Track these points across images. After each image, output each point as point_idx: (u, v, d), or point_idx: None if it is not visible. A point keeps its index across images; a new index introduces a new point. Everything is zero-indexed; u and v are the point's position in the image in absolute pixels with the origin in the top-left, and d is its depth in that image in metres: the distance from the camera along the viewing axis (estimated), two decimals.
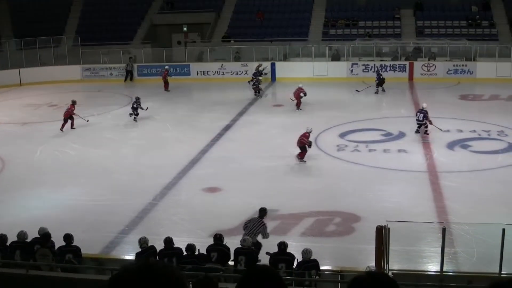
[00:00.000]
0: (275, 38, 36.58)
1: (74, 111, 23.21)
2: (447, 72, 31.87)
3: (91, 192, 16.39)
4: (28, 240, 11.18)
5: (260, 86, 29.12)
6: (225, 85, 32.47)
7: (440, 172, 17.17)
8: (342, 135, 21.12)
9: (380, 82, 28.50)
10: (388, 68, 31.85)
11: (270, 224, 13.66)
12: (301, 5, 39.56)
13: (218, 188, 16.32)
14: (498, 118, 22.99)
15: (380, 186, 16.27)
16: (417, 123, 21.00)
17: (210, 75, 34.16)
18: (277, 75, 32.90)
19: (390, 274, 9.11)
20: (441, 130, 20.91)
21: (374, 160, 18.44)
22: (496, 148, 19.46)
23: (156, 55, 35.96)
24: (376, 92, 28.49)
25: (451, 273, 10.52)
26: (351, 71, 32.78)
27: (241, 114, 25.39)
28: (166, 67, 32.05)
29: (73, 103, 23.47)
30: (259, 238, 11.83)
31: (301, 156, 18.26)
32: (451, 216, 13.84)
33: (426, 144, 20.03)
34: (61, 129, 22.83)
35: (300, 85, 25.75)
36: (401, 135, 21.11)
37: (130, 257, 11.54)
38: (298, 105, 25.48)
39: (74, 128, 23.10)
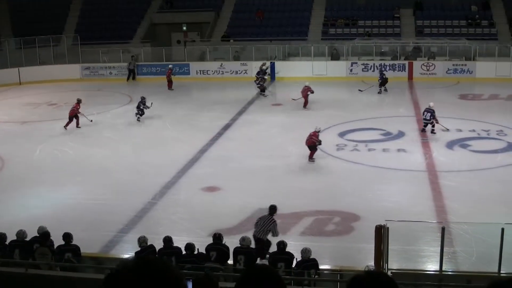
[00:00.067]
0: (275, 38, 36.59)
1: (80, 110, 23.17)
2: (446, 72, 31.87)
3: (90, 191, 16.39)
4: (27, 239, 11.18)
5: (265, 85, 29.01)
6: (225, 84, 32.48)
7: (439, 172, 17.17)
8: (342, 135, 21.12)
9: (383, 81, 28.43)
10: (388, 68, 31.82)
11: None
12: (300, 4, 39.55)
13: (217, 188, 16.32)
14: (498, 117, 22.99)
15: (380, 185, 16.27)
16: (424, 122, 20.99)
17: (209, 74, 34.16)
18: (277, 74, 32.89)
19: (389, 273, 9.11)
20: (447, 130, 20.91)
21: (374, 160, 18.45)
22: (496, 148, 19.47)
23: (156, 54, 35.96)
24: (379, 92, 28.40)
25: (450, 273, 10.52)
26: (351, 70, 32.79)
27: (240, 113, 25.39)
28: (170, 66, 32.11)
29: (78, 101, 23.41)
30: (269, 236, 11.80)
31: (311, 155, 18.24)
32: (450, 215, 13.85)
33: (425, 143, 20.04)
34: (65, 126, 22.83)
35: (307, 84, 25.79)
36: (401, 134, 21.11)
37: (129, 256, 11.54)
38: (305, 104, 25.52)
39: (79, 127, 23.05)
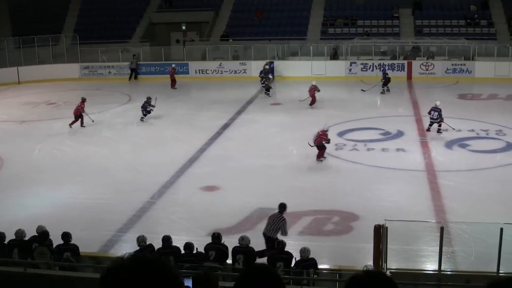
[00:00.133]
0: (274, 37, 36.59)
1: (84, 109, 23.13)
2: (445, 71, 31.89)
3: (89, 190, 16.39)
4: (26, 238, 11.17)
5: (271, 84, 28.92)
6: (224, 83, 32.47)
7: (438, 171, 17.18)
8: (341, 134, 21.11)
9: (386, 81, 28.39)
10: (387, 67, 31.83)
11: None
12: (299, 4, 39.56)
13: (216, 187, 16.32)
14: (497, 117, 23.00)
15: (379, 185, 16.27)
16: (431, 121, 20.97)
17: (208, 73, 34.16)
18: (276, 73, 32.90)
19: (388, 273, 9.13)
20: (453, 129, 20.93)
21: (373, 159, 18.45)
22: (495, 147, 19.48)
23: (155, 53, 35.97)
24: (382, 92, 28.31)
25: (449, 272, 10.52)
26: (350, 70, 32.80)
27: (239, 112, 25.39)
28: (173, 65, 32.24)
29: (83, 100, 23.37)
30: (279, 235, 11.80)
31: (319, 154, 18.24)
32: (449, 215, 13.85)
33: (424, 143, 20.04)
34: (71, 125, 22.85)
35: (314, 83, 25.83)
36: (400, 134, 21.12)
37: None
38: (313, 102, 25.58)
39: (83, 126, 23.03)
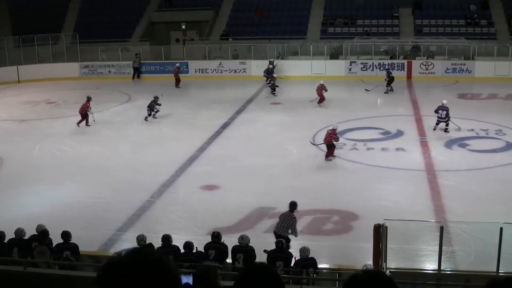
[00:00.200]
0: (274, 36, 36.57)
1: (89, 107, 23.11)
2: (445, 71, 31.88)
3: (89, 189, 16.38)
4: (26, 237, 11.17)
5: (276, 83, 28.87)
6: (223, 83, 32.46)
7: (438, 171, 17.17)
8: (340, 134, 20.99)
9: (390, 80, 28.34)
10: (387, 67, 31.83)
11: (268, 223, 13.70)
12: (299, 3, 39.55)
13: (216, 186, 16.32)
14: (496, 117, 22.99)
15: (378, 184, 16.28)
16: (438, 120, 20.95)
17: (208, 73, 34.15)
18: (276, 73, 32.84)
19: (387, 272, 9.13)
20: (459, 128, 20.95)
21: (372, 159, 18.45)
22: (494, 147, 19.48)
23: (155, 52, 35.97)
24: (386, 92, 28.26)
25: (448, 272, 10.52)
26: (350, 69, 32.79)
27: (239, 112, 25.38)
28: (177, 64, 32.29)
29: (88, 99, 23.31)
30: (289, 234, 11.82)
31: (329, 154, 18.23)
32: (449, 214, 13.85)
33: (424, 142, 20.04)
34: (78, 124, 22.85)
35: (322, 82, 25.86)
36: (399, 133, 21.12)
37: None
38: (321, 101, 25.69)
39: (88, 125, 23.01)
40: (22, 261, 9.91)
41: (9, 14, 39.82)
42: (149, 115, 23.73)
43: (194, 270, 8.00)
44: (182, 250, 10.47)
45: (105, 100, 28.42)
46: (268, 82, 28.71)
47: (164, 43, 38.16)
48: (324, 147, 18.71)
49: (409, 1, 38.14)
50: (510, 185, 15.85)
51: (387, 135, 20.97)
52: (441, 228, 9.92)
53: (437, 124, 20.99)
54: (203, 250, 10.68)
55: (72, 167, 18.26)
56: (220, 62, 34.24)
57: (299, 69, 32.64)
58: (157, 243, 10.69)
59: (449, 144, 19.84)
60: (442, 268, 9.93)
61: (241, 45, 35.35)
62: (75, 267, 10.36)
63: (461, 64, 31.86)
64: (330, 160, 18.21)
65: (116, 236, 13.23)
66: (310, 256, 10.20)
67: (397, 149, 19.44)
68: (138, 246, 10.56)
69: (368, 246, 10.08)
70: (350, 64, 32.87)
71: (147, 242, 10.77)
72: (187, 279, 6.85)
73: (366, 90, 28.48)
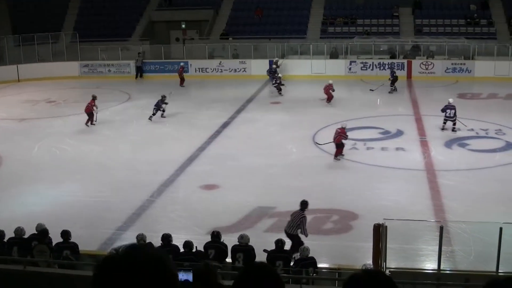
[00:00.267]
0: (274, 36, 36.55)
1: (96, 106, 23.08)
2: (445, 71, 31.88)
3: (89, 188, 16.38)
4: (26, 236, 11.17)
5: (282, 82, 28.79)
6: (223, 82, 32.44)
7: (438, 171, 17.18)
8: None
9: (394, 80, 28.31)
10: (386, 67, 31.84)
11: (267, 222, 13.71)
12: (299, 3, 39.54)
13: (215, 185, 16.32)
14: (496, 116, 23.00)
15: (378, 184, 16.28)
16: (445, 119, 20.97)
17: (208, 72, 34.14)
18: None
19: (387, 272, 9.13)
20: (465, 126, 21.00)
21: (372, 158, 18.45)
22: (494, 147, 19.48)
23: (155, 52, 35.95)
24: (391, 92, 28.18)
25: (448, 271, 10.53)
26: (349, 69, 32.79)
27: (239, 111, 25.37)
28: (182, 63, 32.32)
29: (93, 98, 23.26)
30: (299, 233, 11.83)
31: (338, 153, 18.22)
32: (448, 214, 13.86)
33: (424, 142, 20.04)
34: (86, 124, 22.83)
35: (330, 82, 25.95)
36: (399, 133, 21.12)
37: None
38: (329, 99, 25.83)
39: (94, 124, 22.98)
40: (21, 260, 9.91)
41: (9, 13, 39.81)
42: (154, 114, 23.66)
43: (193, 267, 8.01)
44: (182, 250, 10.47)
45: (105, 99, 28.36)
46: (273, 82, 28.60)
47: (164, 42, 38.14)
48: (324, 146, 18.72)
49: (409, 1, 38.13)
50: (510, 185, 15.86)
51: (387, 135, 20.97)
52: (441, 228, 9.92)
53: (444, 123, 21.00)
54: (202, 250, 10.69)
55: (72, 166, 18.27)
56: (220, 62, 34.23)
57: (299, 69, 32.62)
58: (157, 242, 10.69)
59: (449, 143, 19.85)
60: (441, 267, 9.94)
61: (241, 45, 35.33)
62: (75, 266, 10.37)
63: (461, 64, 31.86)
64: (339, 159, 18.19)
65: (116, 235, 13.23)
66: (309, 255, 10.21)
67: (397, 148, 19.44)
68: (136, 243, 10.57)
69: (368, 246, 10.08)
70: (350, 64, 32.87)
71: (147, 241, 10.76)
72: (187, 276, 6.85)
73: (370, 90, 28.40)
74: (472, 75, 31.37)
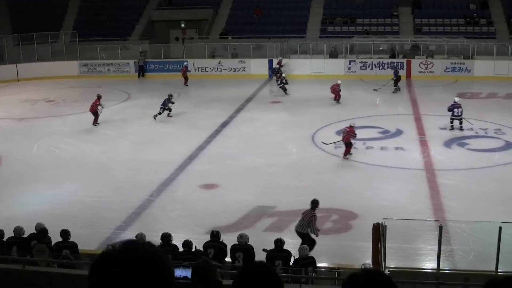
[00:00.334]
0: (273, 35, 36.54)
1: (100, 106, 23.03)
2: (444, 70, 31.88)
3: (88, 188, 16.38)
4: (25, 235, 11.17)
5: (287, 81, 28.69)
6: (223, 81, 32.41)
7: (437, 170, 17.18)
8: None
9: (397, 79, 28.26)
10: (386, 66, 31.85)
11: (266, 221, 13.71)
12: (299, 2, 39.53)
13: (215, 185, 16.32)
14: (496, 116, 23.00)
15: (377, 183, 16.28)
16: (453, 118, 21.01)
17: (207, 71, 34.13)
18: (284, 72, 32.76)
19: (386, 271, 9.14)
20: (471, 124, 21.08)
21: (372, 158, 18.45)
22: (493, 146, 19.49)
23: (154, 51, 35.93)
24: (395, 92, 28.13)
25: (447, 271, 10.53)
26: (349, 68, 32.79)
27: (238, 110, 25.36)
28: (186, 63, 32.35)
29: (98, 97, 23.21)
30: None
31: (347, 152, 18.22)
32: (448, 214, 13.87)
33: (423, 142, 20.04)
34: (94, 124, 22.80)
35: (339, 82, 26.03)
36: (399, 132, 21.12)
37: None
38: (338, 98, 25.94)
39: (98, 124, 22.91)
40: (21, 260, 9.90)
41: (8, 12, 39.78)
42: (160, 113, 23.59)
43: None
44: (181, 249, 10.47)
45: (104, 98, 28.21)
46: (278, 83, 28.52)
47: (164, 41, 38.13)
48: (324, 146, 18.72)
49: (409, 0, 38.12)
50: (509, 185, 15.86)
51: (387, 134, 20.97)
52: (440, 227, 9.93)
53: (451, 123, 21.01)
54: (202, 249, 10.69)
55: (71, 166, 18.26)
56: (220, 61, 34.22)
57: (298, 68, 32.60)
58: (157, 242, 10.68)
59: (448, 143, 19.85)
60: (441, 267, 9.94)
61: (241, 44, 35.31)
62: (74, 265, 10.37)
63: (460, 63, 31.87)
64: (348, 158, 18.19)
65: (116, 235, 13.21)
66: (309, 255, 10.21)
67: (396, 148, 19.44)
68: (133, 239, 10.56)
69: (367, 245, 10.09)
70: (350, 63, 32.87)
71: (147, 241, 10.76)
72: (186, 273, 6.85)
73: (374, 89, 28.34)
74: (472, 75, 31.38)
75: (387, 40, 34.86)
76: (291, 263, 10.22)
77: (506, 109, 24.47)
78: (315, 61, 32.94)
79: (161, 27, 40.95)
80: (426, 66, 32.09)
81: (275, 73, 29.69)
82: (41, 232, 10.97)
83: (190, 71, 32.27)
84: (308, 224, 11.82)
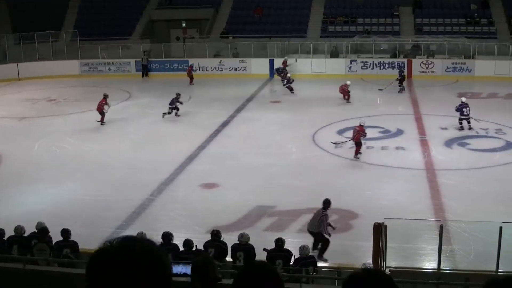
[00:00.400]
0: (274, 35, 36.54)
1: (106, 105, 23.00)
2: (445, 70, 31.87)
3: (89, 187, 16.38)
4: (26, 234, 11.17)
5: (291, 80, 28.59)
6: (223, 81, 32.41)
7: (437, 170, 17.18)
8: (340, 132, 21.08)
9: (402, 79, 28.25)
10: (387, 66, 31.84)
11: (267, 221, 13.71)
12: (300, 2, 39.51)
13: (215, 184, 16.32)
14: (496, 116, 23.00)
15: (378, 183, 16.28)
16: (462, 118, 21.06)
17: (208, 71, 34.12)
18: (289, 72, 32.73)
19: (387, 271, 9.13)
20: (478, 122, 21.21)
21: (372, 158, 18.44)
22: (494, 146, 19.49)
23: (155, 50, 35.92)
24: (400, 91, 28.07)
25: (448, 271, 10.53)
26: (350, 68, 32.78)
27: (238, 110, 25.36)
28: (191, 63, 32.23)
29: (105, 96, 23.21)
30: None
31: (357, 151, 18.23)
32: (448, 213, 13.86)
33: (424, 141, 20.04)
34: (101, 123, 22.80)
35: (348, 82, 26.05)
36: (399, 132, 21.12)
37: None
38: (348, 98, 26.00)
39: (105, 123, 22.93)
40: (21, 259, 9.91)
41: (9, 11, 39.78)
42: (169, 113, 23.59)
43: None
44: (182, 248, 10.47)
45: None
46: (285, 83, 28.46)
47: (164, 41, 38.12)
48: (324, 146, 18.71)
49: (409, 0, 38.11)
50: (510, 185, 15.86)
51: (387, 134, 20.96)
52: (441, 227, 9.93)
53: (461, 123, 21.03)
54: (202, 248, 10.69)
55: (72, 165, 18.27)
56: (220, 60, 34.22)
57: (299, 68, 32.58)
58: (157, 241, 10.67)
59: (448, 143, 19.84)
60: (441, 267, 9.94)
61: (241, 43, 35.31)
62: (75, 264, 10.36)
63: (461, 63, 31.85)
64: (358, 158, 18.19)
65: (116, 234, 13.20)
66: (309, 254, 10.21)
67: (397, 148, 19.44)
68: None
69: (368, 245, 10.08)
70: (350, 63, 32.86)
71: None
72: (186, 270, 6.85)
73: (379, 89, 28.28)
74: (473, 75, 31.36)
75: (388, 40, 34.84)
76: (291, 263, 10.23)
77: (506, 109, 24.46)
78: (315, 61, 32.94)
79: (162, 26, 40.94)
80: (426, 66, 32.08)
81: (279, 73, 29.63)
82: (42, 231, 10.98)
83: (195, 71, 32.28)
84: (319, 224, 11.84)
